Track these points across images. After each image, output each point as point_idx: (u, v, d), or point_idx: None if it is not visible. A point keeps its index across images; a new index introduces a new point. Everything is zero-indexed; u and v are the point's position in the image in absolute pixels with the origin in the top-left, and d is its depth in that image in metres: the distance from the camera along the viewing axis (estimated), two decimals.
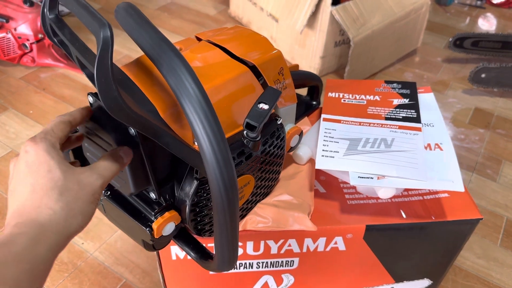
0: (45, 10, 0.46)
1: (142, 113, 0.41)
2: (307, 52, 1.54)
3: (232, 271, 0.69)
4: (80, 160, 0.57)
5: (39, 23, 1.49)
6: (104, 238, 1.02)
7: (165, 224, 0.53)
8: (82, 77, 1.54)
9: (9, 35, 1.47)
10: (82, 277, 0.94)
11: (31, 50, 1.52)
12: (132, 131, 0.46)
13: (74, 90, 1.49)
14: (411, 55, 1.75)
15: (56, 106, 1.41)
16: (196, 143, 0.51)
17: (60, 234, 0.39)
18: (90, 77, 0.43)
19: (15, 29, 1.47)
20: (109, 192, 0.56)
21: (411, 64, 1.71)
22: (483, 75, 1.49)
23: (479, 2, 2.18)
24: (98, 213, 1.08)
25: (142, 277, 0.95)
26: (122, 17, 0.42)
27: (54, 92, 1.47)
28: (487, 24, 2.07)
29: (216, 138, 0.39)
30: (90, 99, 0.51)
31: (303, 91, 0.83)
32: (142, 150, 0.48)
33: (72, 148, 0.52)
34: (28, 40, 1.49)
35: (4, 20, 1.45)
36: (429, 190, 0.69)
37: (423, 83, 1.61)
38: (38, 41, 1.51)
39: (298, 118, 0.81)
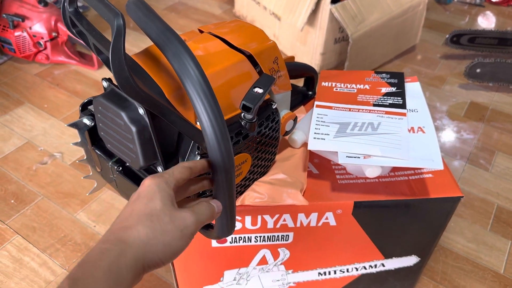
0: (65, 4, 0.52)
1: (150, 93, 0.48)
2: (308, 49, 1.60)
3: (232, 244, 0.76)
4: (96, 140, 0.64)
5: (53, 22, 1.57)
6: (114, 219, 1.08)
7: None
8: (93, 73, 1.62)
9: (25, 34, 1.55)
10: None
11: (45, 48, 1.59)
12: (141, 110, 0.53)
13: (86, 85, 1.56)
14: (409, 52, 1.80)
15: (69, 101, 1.49)
16: (198, 122, 0.57)
17: (138, 258, 0.39)
18: (105, 61, 0.50)
19: (30, 28, 1.55)
20: (121, 168, 0.62)
21: (409, 60, 1.76)
22: (478, 70, 1.54)
23: (478, 1, 2.23)
24: (109, 198, 1.15)
25: None
26: (132, 10, 0.48)
27: (67, 87, 1.55)
28: (486, 22, 2.11)
29: (214, 114, 0.45)
30: (104, 83, 0.57)
31: (300, 82, 0.89)
32: (150, 127, 0.54)
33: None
34: (42, 38, 1.57)
35: (20, 19, 1.53)
36: (414, 170, 0.75)
37: (420, 78, 1.66)
38: (52, 39, 1.58)
39: (294, 107, 0.88)
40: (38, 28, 1.56)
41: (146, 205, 0.42)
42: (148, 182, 0.44)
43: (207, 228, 0.63)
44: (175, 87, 0.55)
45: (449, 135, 1.42)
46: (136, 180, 0.61)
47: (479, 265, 1.04)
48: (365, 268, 0.84)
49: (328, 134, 0.71)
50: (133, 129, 0.53)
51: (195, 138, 0.54)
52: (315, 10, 1.48)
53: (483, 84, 1.62)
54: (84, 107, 0.63)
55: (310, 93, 0.89)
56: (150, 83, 0.54)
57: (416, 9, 1.63)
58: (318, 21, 1.49)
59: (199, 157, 0.58)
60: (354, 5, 1.48)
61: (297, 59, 0.87)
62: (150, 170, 0.61)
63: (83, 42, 0.54)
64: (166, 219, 0.42)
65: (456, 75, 1.69)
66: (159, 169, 0.59)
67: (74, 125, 0.63)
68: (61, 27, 1.58)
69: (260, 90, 0.58)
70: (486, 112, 1.51)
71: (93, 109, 0.61)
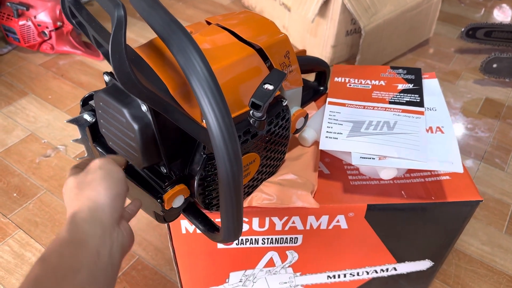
0: None
1: (153, 89, 0.45)
2: (318, 41, 1.55)
3: (239, 246, 0.73)
4: (97, 137, 0.61)
5: (57, 11, 1.53)
6: None
7: (175, 196, 0.56)
8: (99, 64, 1.59)
9: (29, 23, 1.52)
10: None
11: (50, 37, 1.56)
12: (144, 107, 0.50)
13: (91, 76, 1.53)
14: (423, 45, 1.75)
15: (73, 92, 1.46)
16: (204, 120, 0.54)
17: (90, 209, 0.44)
18: (106, 54, 0.47)
19: (35, 17, 1.52)
20: (123, 167, 0.59)
21: (423, 54, 1.71)
22: (494, 65, 1.49)
23: None
24: None
25: (154, 254, 0.99)
26: (135, 0, 0.45)
27: (72, 78, 1.52)
28: (502, 15, 2.05)
29: (221, 113, 0.41)
30: (106, 77, 0.54)
31: (311, 77, 0.85)
32: (153, 126, 0.51)
33: None
34: (47, 27, 1.54)
35: (25, 8, 1.50)
36: (431, 172, 0.71)
37: (434, 73, 1.61)
38: (57, 28, 1.55)
39: (305, 103, 0.84)
40: (43, 17, 1.53)
41: (67, 193, 0.48)
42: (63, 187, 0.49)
43: (212, 231, 0.60)
44: (180, 83, 0.52)
45: (463, 133, 1.37)
46: (139, 179, 0.58)
47: (494, 269, 1.00)
48: (376, 271, 0.80)
49: (341, 133, 0.67)
50: (135, 127, 0.50)
51: (201, 137, 0.51)
52: (326, 1, 1.43)
53: (499, 80, 1.57)
54: (85, 102, 0.60)
55: (321, 88, 0.85)
56: (153, 78, 0.51)
57: (431, 1, 1.58)
58: (329, 12, 1.45)
59: (205, 157, 0.54)
60: None
61: (307, 52, 0.83)
62: (153, 170, 0.58)
63: (83, 33, 0.51)
64: (82, 177, 0.47)
65: (471, 70, 1.63)
66: (163, 169, 0.56)
67: (74, 121, 0.60)
68: None
69: (270, 87, 0.55)
70: (502, 109, 1.47)
71: (94, 105, 0.58)
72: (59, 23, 1.55)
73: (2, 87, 1.47)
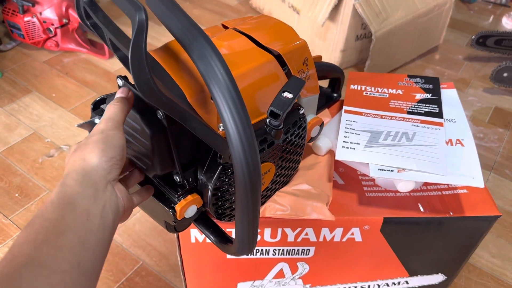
0: None
1: (171, 96, 0.43)
2: (327, 45, 1.53)
3: (249, 256, 0.71)
4: None
5: (64, 8, 1.51)
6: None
7: (188, 206, 0.54)
8: (104, 63, 1.57)
9: (35, 19, 1.50)
10: None
11: (55, 34, 1.54)
12: (160, 114, 0.48)
13: (96, 75, 1.51)
14: (432, 52, 1.73)
15: (78, 91, 1.44)
16: (220, 128, 0.52)
17: (83, 170, 0.43)
18: (123, 59, 0.45)
19: (40, 14, 1.50)
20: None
21: (432, 60, 1.69)
22: (505, 74, 1.47)
23: (503, 0, 2.14)
24: None
25: (158, 260, 0.97)
26: (153, 2, 0.43)
27: (77, 76, 1.50)
28: (511, 22, 2.03)
29: (242, 124, 0.39)
30: (120, 82, 0.52)
31: (324, 83, 0.83)
32: (168, 133, 0.49)
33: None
34: (52, 24, 1.52)
35: (30, 4, 1.48)
36: (448, 185, 0.69)
37: (443, 80, 1.59)
38: (62, 26, 1.53)
39: (318, 109, 0.82)
40: (49, 14, 1.50)
41: (69, 158, 0.45)
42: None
43: (225, 243, 0.58)
44: (197, 90, 0.49)
45: None
46: None
47: (504, 283, 0.98)
48: (387, 285, 0.78)
49: (358, 144, 0.65)
50: (150, 134, 0.48)
51: (217, 146, 0.49)
52: (337, 5, 1.41)
53: (509, 89, 1.55)
54: (96, 106, 0.58)
55: (335, 95, 0.83)
56: (170, 84, 0.49)
57: (442, 8, 1.56)
58: (340, 16, 1.43)
59: (220, 167, 0.52)
60: (378, 1, 1.41)
61: (314, 55, 0.80)
62: (165, 178, 0.56)
63: (97, 35, 0.49)
64: (84, 141, 0.45)
65: (480, 78, 1.62)
66: (176, 178, 0.54)
67: (84, 125, 0.57)
68: (72, 13, 1.52)
69: (289, 95, 0.53)
70: (511, 119, 1.45)
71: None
72: (64, 20, 1.53)
73: (5, 84, 1.45)
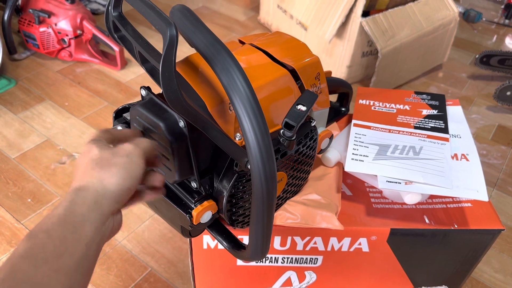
0: (110, 8, 0.50)
1: (195, 107, 0.45)
2: (334, 61, 1.57)
3: (258, 264, 0.73)
4: None
5: (78, 20, 1.56)
6: (133, 228, 1.06)
7: (204, 212, 0.56)
8: (115, 73, 1.60)
9: (50, 30, 1.54)
10: (110, 264, 0.99)
11: (69, 45, 1.58)
12: (182, 123, 0.50)
13: (108, 85, 1.54)
14: (436, 70, 1.76)
15: (90, 100, 1.47)
16: (237, 138, 0.55)
17: (98, 194, 0.43)
18: (150, 71, 0.47)
19: (55, 24, 1.54)
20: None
21: (436, 78, 1.73)
22: (508, 93, 1.50)
23: (507, 21, 2.18)
24: None
25: (167, 267, 0.99)
26: (178, 18, 0.46)
27: (89, 86, 1.53)
28: None
29: (261, 133, 0.42)
30: (143, 92, 0.55)
31: (333, 98, 0.86)
32: (188, 141, 0.52)
33: None
34: (67, 35, 1.56)
35: (46, 15, 1.52)
36: (453, 198, 0.72)
37: (447, 97, 1.62)
38: (76, 36, 1.57)
39: (327, 123, 0.85)
40: (64, 25, 1.55)
41: (85, 159, 0.45)
42: (83, 149, 0.47)
43: (237, 248, 0.60)
44: (217, 101, 0.52)
45: None
46: (169, 194, 0.58)
47: None
48: None
49: (367, 156, 0.68)
50: (172, 141, 0.51)
51: (234, 154, 0.52)
52: (344, 22, 1.45)
53: None
54: (118, 114, 0.61)
55: (343, 109, 0.86)
56: (193, 95, 0.52)
57: (447, 27, 1.60)
58: (347, 33, 1.47)
59: (236, 175, 0.55)
60: (385, 19, 1.45)
61: None
62: (183, 185, 0.58)
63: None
64: (108, 155, 0.45)
65: (484, 96, 1.65)
66: (194, 184, 0.57)
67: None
68: (86, 25, 1.57)
69: (303, 108, 0.55)
70: None
71: (128, 117, 0.59)
72: (78, 32, 1.57)
73: (20, 92, 1.49)
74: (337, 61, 1.56)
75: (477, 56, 1.66)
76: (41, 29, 1.54)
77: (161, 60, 0.40)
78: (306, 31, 1.62)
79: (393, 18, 1.46)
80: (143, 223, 1.07)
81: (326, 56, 1.59)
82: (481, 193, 0.63)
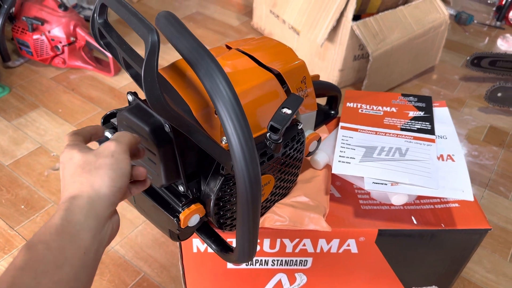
0: (95, 15, 0.51)
1: (179, 111, 0.46)
2: (326, 65, 1.58)
3: (248, 267, 0.73)
4: None
5: (71, 27, 1.56)
6: (126, 233, 1.07)
7: (191, 215, 0.57)
8: (109, 80, 1.61)
9: (43, 37, 1.55)
10: (103, 269, 0.99)
11: (63, 52, 1.59)
12: (167, 127, 0.51)
13: (102, 92, 1.55)
14: (428, 72, 1.78)
15: (83, 106, 1.48)
16: (223, 141, 0.55)
17: (92, 198, 0.42)
18: (135, 76, 0.48)
19: (49, 32, 1.55)
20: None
21: (428, 80, 1.74)
22: (499, 94, 1.51)
23: (498, 23, 2.20)
24: (120, 209, 1.13)
25: (160, 271, 0.99)
26: (163, 24, 0.47)
27: (82, 93, 1.54)
28: (506, 44, 2.08)
29: (245, 137, 0.43)
30: (129, 97, 0.56)
31: (322, 101, 0.87)
32: (174, 145, 0.52)
33: None
34: (60, 42, 1.56)
35: (40, 23, 1.53)
36: (440, 199, 0.72)
37: (439, 99, 1.63)
38: (69, 43, 1.58)
39: (316, 126, 0.85)
40: (57, 32, 1.56)
41: (69, 167, 0.44)
42: (63, 156, 0.46)
43: (226, 251, 0.60)
44: (202, 105, 0.53)
45: (468, 160, 1.39)
46: (157, 198, 0.59)
47: None
48: None
49: (354, 158, 0.68)
50: (158, 146, 0.51)
51: (220, 158, 0.52)
52: (335, 26, 1.46)
53: (504, 109, 1.59)
54: (106, 120, 0.62)
55: (332, 112, 0.87)
56: (178, 100, 0.52)
57: (438, 29, 1.61)
58: (338, 37, 1.48)
59: (222, 178, 0.56)
60: (375, 23, 1.46)
61: (314, 74, 0.85)
62: (170, 189, 0.59)
63: (109, 54, 0.53)
64: (92, 158, 0.44)
65: (476, 97, 1.66)
66: (181, 188, 0.57)
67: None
68: (80, 32, 1.57)
69: (288, 111, 0.56)
70: (506, 138, 1.48)
71: (115, 123, 0.60)
72: (72, 39, 1.58)
73: (13, 99, 1.49)
74: (330, 64, 1.57)
75: (468, 58, 1.68)
76: (35, 37, 1.55)
77: (143, 65, 0.40)
78: (298, 36, 1.63)
79: (384, 22, 1.48)
80: (136, 228, 1.08)
81: (318, 60, 1.60)
82: (466, 193, 0.64)
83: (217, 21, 2.05)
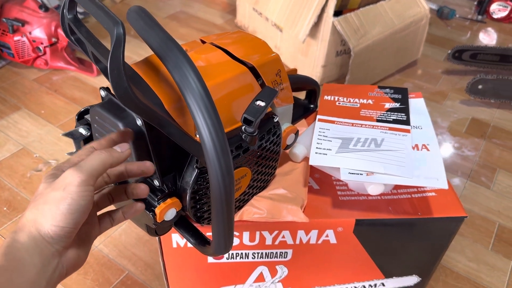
0: (64, 11, 0.51)
1: (149, 103, 0.46)
2: (309, 61, 1.59)
3: (229, 260, 0.73)
4: None
5: (53, 28, 1.55)
6: (109, 232, 1.06)
7: (167, 209, 0.57)
8: (92, 80, 1.60)
9: (24, 39, 1.54)
10: (87, 268, 0.99)
11: (45, 53, 1.58)
12: (139, 121, 0.51)
13: (85, 92, 1.54)
14: (411, 66, 1.80)
15: (66, 107, 1.47)
16: (197, 135, 0.56)
17: (31, 234, 0.41)
18: (104, 70, 0.48)
19: (30, 33, 1.54)
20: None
21: (411, 75, 1.76)
22: (480, 86, 1.53)
23: (480, 17, 2.23)
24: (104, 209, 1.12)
25: (144, 269, 0.99)
26: (133, 18, 0.47)
27: (65, 93, 1.53)
28: (488, 38, 2.11)
29: (214, 126, 0.43)
30: (102, 92, 0.56)
31: (302, 95, 0.88)
32: (148, 139, 0.52)
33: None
34: (42, 43, 1.55)
35: (20, 24, 1.52)
36: (417, 188, 0.73)
37: (422, 93, 1.65)
38: (51, 44, 1.57)
39: (296, 120, 0.86)
40: (38, 33, 1.54)
41: (35, 196, 0.44)
42: None
43: (203, 245, 0.61)
44: (175, 99, 0.53)
45: (450, 152, 1.41)
46: None
47: (480, 286, 1.02)
48: (364, 287, 0.81)
49: (330, 149, 0.69)
50: (130, 140, 0.51)
51: (194, 152, 0.53)
52: (317, 22, 1.47)
53: (485, 101, 1.61)
54: (81, 116, 0.61)
55: (311, 106, 0.88)
56: (149, 93, 0.52)
57: (419, 23, 1.63)
58: (320, 33, 1.49)
59: (197, 171, 0.56)
60: (356, 18, 1.47)
61: (298, 71, 0.86)
62: (146, 183, 0.59)
63: (81, 49, 0.53)
64: (47, 190, 0.42)
65: (458, 90, 1.68)
66: (156, 182, 0.57)
67: (69, 134, 0.61)
68: (61, 33, 1.56)
69: (262, 103, 0.57)
70: (487, 129, 1.50)
71: (89, 119, 0.60)
72: (53, 39, 1.57)
73: None
74: (312, 61, 1.58)
75: (449, 51, 1.70)
76: (16, 38, 1.54)
77: (108, 57, 0.41)
78: (281, 33, 1.64)
79: (365, 17, 1.49)
80: (120, 227, 1.08)
81: (301, 56, 1.61)
82: (441, 181, 0.65)
83: (201, 20, 2.05)
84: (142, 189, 0.51)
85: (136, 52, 1.72)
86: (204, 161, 0.52)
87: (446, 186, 0.65)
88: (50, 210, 0.41)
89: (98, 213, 0.52)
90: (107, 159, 0.45)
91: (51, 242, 0.41)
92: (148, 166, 0.51)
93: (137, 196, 0.52)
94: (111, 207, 0.54)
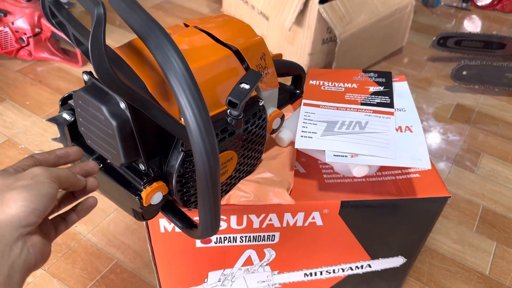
0: None
1: (132, 86, 0.46)
2: (296, 49, 1.59)
3: (217, 244, 0.74)
4: (76, 136, 0.62)
5: (36, 18, 1.53)
6: (97, 222, 1.06)
7: (153, 193, 0.57)
8: (77, 71, 1.59)
9: (7, 29, 1.51)
10: (75, 257, 0.99)
11: (28, 44, 1.56)
12: (122, 104, 0.51)
13: (70, 83, 1.53)
14: (397, 54, 1.81)
15: (52, 98, 1.46)
16: (182, 117, 0.56)
17: None
18: (85, 52, 0.48)
19: (12, 23, 1.51)
20: (101, 165, 0.60)
21: (397, 62, 1.77)
22: (464, 72, 1.55)
23: (464, 4, 2.25)
24: None
25: (133, 257, 0.99)
26: (115, 1, 0.47)
27: (50, 84, 1.52)
28: (472, 25, 2.13)
29: (198, 108, 0.43)
30: (85, 77, 0.55)
31: (288, 81, 0.88)
32: (131, 122, 0.52)
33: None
34: (25, 34, 1.53)
35: (2, 14, 1.49)
36: (401, 170, 0.75)
37: (407, 80, 1.65)
38: (35, 35, 1.55)
39: (282, 105, 0.86)
40: (21, 23, 1.52)
41: None
42: None
43: (191, 228, 0.61)
44: (158, 81, 0.53)
45: (435, 137, 1.42)
46: (118, 177, 0.59)
47: (464, 266, 1.04)
48: (351, 269, 0.83)
49: (316, 133, 0.70)
50: (114, 123, 0.51)
51: (179, 134, 0.53)
52: (303, 10, 1.47)
53: (469, 87, 1.63)
54: (64, 102, 0.61)
55: (297, 91, 0.88)
56: (132, 76, 0.52)
57: (404, 11, 1.64)
58: (306, 21, 1.49)
59: (183, 154, 0.56)
60: (342, 5, 1.47)
61: (284, 59, 0.87)
62: (131, 167, 0.59)
63: (63, 34, 0.52)
64: (10, 181, 0.41)
65: (443, 77, 1.70)
66: (141, 166, 0.57)
67: (53, 119, 0.60)
68: (45, 23, 1.54)
69: (246, 86, 0.57)
70: (472, 114, 1.53)
71: (73, 104, 0.59)
72: (37, 30, 1.55)
73: None
74: (299, 49, 1.58)
75: (434, 38, 1.71)
76: None
77: (89, 37, 0.40)
78: (267, 21, 1.64)
79: (350, 4, 1.49)
80: (108, 216, 1.07)
81: (288, 45, 1.61)
82: (424, 162, 0.66)
83: (186, 9, 2.04)
84: (92, 167, 0.51)
85: (121, 41, 1.70)
86: (189, 143, 0.53)
87: (429, 166, 0.66)
88: (20, 194, 0.40)
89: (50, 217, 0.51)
90: (72, 176, 0.47)
91: (16, 225, 0.40)
92: (92, 166, 0.52)
93: (87, 191, 0.51)
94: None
